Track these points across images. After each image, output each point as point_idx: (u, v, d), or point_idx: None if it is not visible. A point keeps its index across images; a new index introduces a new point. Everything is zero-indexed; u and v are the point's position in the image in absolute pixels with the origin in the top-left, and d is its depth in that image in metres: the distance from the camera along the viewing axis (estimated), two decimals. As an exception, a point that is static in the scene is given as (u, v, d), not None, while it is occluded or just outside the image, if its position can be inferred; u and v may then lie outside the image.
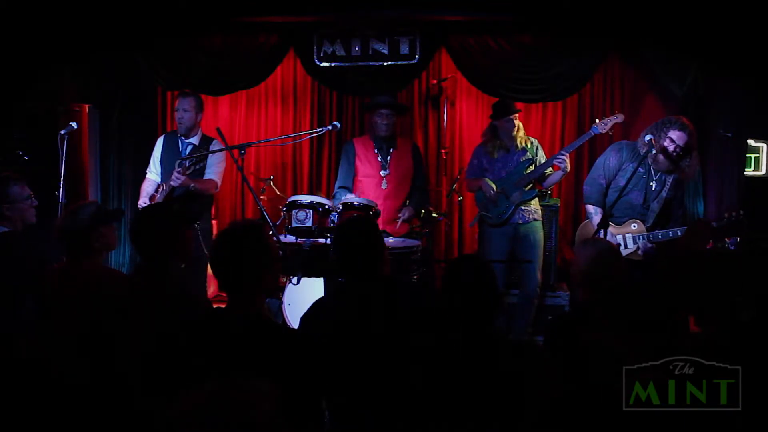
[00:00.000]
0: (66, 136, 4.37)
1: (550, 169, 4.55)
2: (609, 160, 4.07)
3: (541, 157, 4.61)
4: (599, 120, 4.38)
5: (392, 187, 4.56)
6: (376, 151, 4.56)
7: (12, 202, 3.27)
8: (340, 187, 4.63)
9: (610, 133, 4.38)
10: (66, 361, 2.53)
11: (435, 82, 6.13)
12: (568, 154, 4.43)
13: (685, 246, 3.83)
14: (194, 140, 4.54)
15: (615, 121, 4.32)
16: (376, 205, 4.16)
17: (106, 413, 2.17)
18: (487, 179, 4.56)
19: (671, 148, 3.87)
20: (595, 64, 5.36)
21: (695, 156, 3.97)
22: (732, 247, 4.16)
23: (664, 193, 3.96)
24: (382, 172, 4.49)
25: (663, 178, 3.96)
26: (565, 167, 4.42)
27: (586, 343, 2.42)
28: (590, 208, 4.12)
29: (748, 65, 4.67)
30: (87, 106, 5.51)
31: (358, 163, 4.59)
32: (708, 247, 4.52)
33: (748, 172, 5.02)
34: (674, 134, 3.85)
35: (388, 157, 4.54)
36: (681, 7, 4.61)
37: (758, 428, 2.13)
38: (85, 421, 2.15)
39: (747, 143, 5.00)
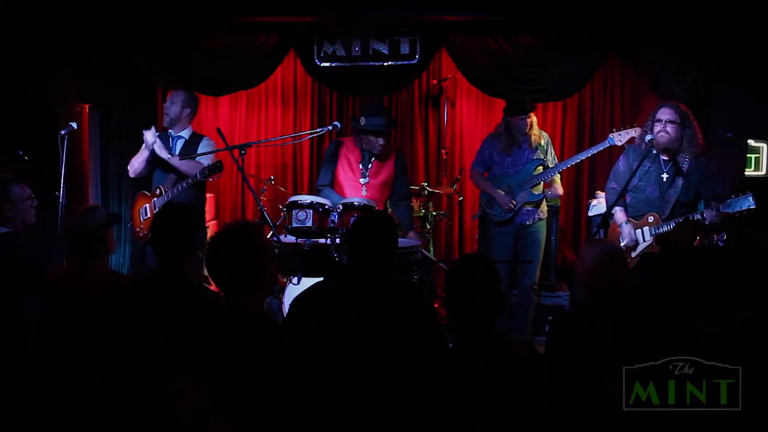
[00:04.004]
0: (66, 136, 4.38)
1: (558, 175, 4.60)
2: (618, 165, 4.21)
3: (551, 155, 4.63)
4: (616, 131, 4.38)
5: (371, 194, 4.49)
6: (358, 158, 4.53)
7: (13, 202, 3.27)
8: (322, 185, 4.57)
9: (626, 145, 4.37)
10: (73, 360, 2.54)
11: (435, 82, 6.13)
12: (558, 173, 4.54)
13: (672, 243, 3.83)
14: (184, 134, 4.54)
15: (631, 135, 4.33)
16: (376, 206, 4.16)
17: (112, 413, 2.17)
18: (502, 192, 4.54)
19: (659, 127, 3.94)
20: (595, 64, 5.36)
21: (696, 126, 4.00)
22: (720, 243, 4.16)
23: (679, 181, 3.96)
24: (361, 180, 4.48)
25: (674, 166, 3.97)
26: (555, 191, 4.56)
27: (585, 341, 2.42)
28: (614, 210, 4.15)
29: (748, 65, 4.66)
30: (87, 106, 5.51)
31: (339, 166, 4.54)
32: (695, 244, 4.52)
33: (748, 172, 5.01)
34: (661, 113, 3.95)
35: (369, 165, 4.52)
36: (681, 7, 4.61)
37: (758, 428, 2.14)
38: (92, 420, 2.15)
39: (747, 143, 4.99)
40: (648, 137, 3.94)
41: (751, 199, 3.72)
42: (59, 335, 2.70)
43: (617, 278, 2.67)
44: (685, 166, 3.97)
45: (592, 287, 2.70)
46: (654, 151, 3.95)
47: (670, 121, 3.93)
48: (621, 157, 4.23)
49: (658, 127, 3.96)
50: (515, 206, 4.47)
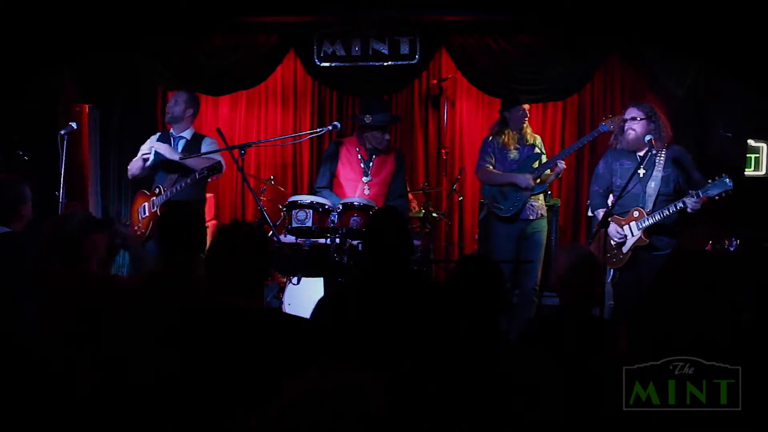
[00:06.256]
0: (66, 136, 4.37)
1: (549, 171, 4.61)
2: (598, 168, 4.31)
3: (544, 153, 4.66)
4: (607, 119, 4.45)
5: (373, 193, 4.46)
6: (359, 156, 4.52)
7: (25, 201, 3.30)
8: (321, 187, 4.51)
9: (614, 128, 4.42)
10: (65, 361, 2.53)
11: (435, 82, 6.12)
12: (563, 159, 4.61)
13: (683, 247, 3.82)
14: (186, 135, 4.52)
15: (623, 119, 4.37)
16: (376, 206, 4.16)
17: (105, 415, 2.17)
18: (517, 174, 4.56)
19: (627, 125, 4.08)
20: (595, 64, 5.36)
21: (664, 120, 4.08)
22: (732, 248, 4.16)
23: (659, 173, 4.01)
24: (364, 179, 4.47)
25: (653, 159, 4.03)
26: (560, 170, 4.60)
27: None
28: (596, 212, 4.27)
29: (748, 65, 4.67)
30: (87, 106, 5.51)
31: (339, 166, 4.53)
32: (707, 248, 4.53)
33: (748, 172, 5.01)
34: (628, 113, 4.09)
35: (371, 164, 4.51)
36: (681, 7, 4.61)
37: (758, 428, 2.14)
38: (82, 421, 2.15)
39: (747, 143, 5.00)
40: (648, 137, 3.98)
41: (727, 181, 3.75)
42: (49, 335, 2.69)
43: (588, 283, 2.67)
44: (661, 159, 4.01)
45: (564, 292, 2.70)
46: (653, 151, 3.99)
47: (635, 118, 4.05)
48: (601, 161, 4.33)
49: (626, 126, 4.10)
50: (534, 184, 4.51)
